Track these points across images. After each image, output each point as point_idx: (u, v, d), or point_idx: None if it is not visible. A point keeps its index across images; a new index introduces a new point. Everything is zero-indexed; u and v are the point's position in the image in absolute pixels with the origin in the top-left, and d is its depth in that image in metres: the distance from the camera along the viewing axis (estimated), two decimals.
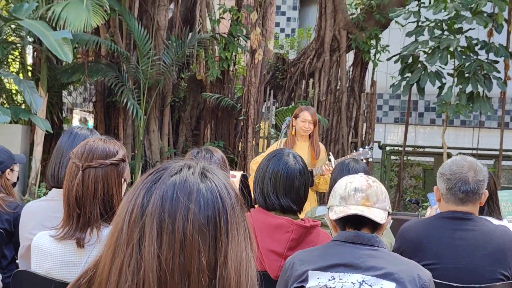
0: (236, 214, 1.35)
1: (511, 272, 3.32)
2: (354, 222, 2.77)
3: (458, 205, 3.41)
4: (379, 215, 2.73)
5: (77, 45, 11.48)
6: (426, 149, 14.29)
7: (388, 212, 2.80)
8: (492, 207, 3.94)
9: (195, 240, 1.28)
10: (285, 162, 3.30)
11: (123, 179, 2.78)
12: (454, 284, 3.24)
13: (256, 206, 3.43)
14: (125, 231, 1.30)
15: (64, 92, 13.75)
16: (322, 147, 7.01)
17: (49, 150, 11.25)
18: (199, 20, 13.31)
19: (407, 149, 13.06)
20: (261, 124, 11.97)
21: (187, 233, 1.28)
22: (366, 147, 7.25)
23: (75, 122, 15.57)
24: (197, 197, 1.31)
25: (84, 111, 15.93)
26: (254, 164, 6.51)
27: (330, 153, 7.12)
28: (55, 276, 2.64)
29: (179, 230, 1.27)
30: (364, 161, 7.48)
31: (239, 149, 12.04)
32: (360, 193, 2.75)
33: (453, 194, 3.40)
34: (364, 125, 12.62)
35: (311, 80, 12.43)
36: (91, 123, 14.05)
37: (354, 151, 7.37)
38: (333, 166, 6.74)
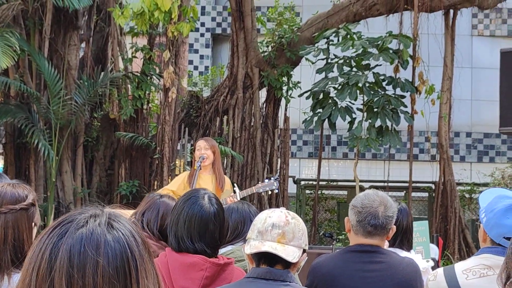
0: (144, 261, 1.36)
1: None
2: (268, 258, 2.81)
3: (366, 237, 3.51)
4: (292, 253, 2.77)
5: None
6: (340, 183, 14.56)
7: (304, 250, 2.85)
8: (403, 241, 4.06)
9: None
10: (200, 205, 3.21)
11: (33, 224, 2.75)
12: None
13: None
14: (33, 287, 1.29)
15: None
16: (227, 179, 6.97)
17: None
18: (111, 59, 13.24)
19: (321, 183, 13.29)
20: (176, 162, 11.95)
21: (97, 287, 1.28)
22: (272, 178, 7.23)
23: None
24: (105, 249, 1.31)
25: None
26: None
27: (235, 184, 7.08)
28: None
29: (89, 284, 1.28)
30: (270, 192, 7.51)
31: (155, 187, 11.96)
32: (277, 230, 2.79)
33: (362, 227, 3.49)
34: (279, 160, 12.78)
35: (225, 117, 12.52)
36: (1, 164, 13.68)
37: (259, 183, 7.35)
38: (238, 198, 6.72)
